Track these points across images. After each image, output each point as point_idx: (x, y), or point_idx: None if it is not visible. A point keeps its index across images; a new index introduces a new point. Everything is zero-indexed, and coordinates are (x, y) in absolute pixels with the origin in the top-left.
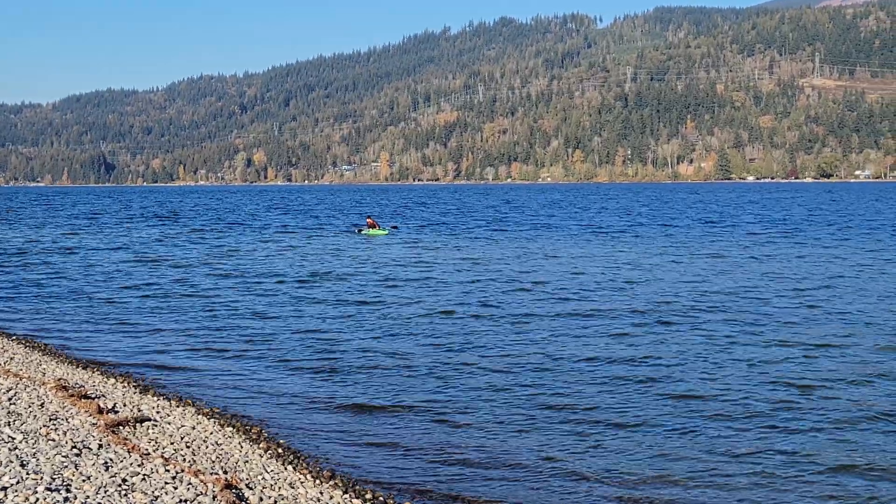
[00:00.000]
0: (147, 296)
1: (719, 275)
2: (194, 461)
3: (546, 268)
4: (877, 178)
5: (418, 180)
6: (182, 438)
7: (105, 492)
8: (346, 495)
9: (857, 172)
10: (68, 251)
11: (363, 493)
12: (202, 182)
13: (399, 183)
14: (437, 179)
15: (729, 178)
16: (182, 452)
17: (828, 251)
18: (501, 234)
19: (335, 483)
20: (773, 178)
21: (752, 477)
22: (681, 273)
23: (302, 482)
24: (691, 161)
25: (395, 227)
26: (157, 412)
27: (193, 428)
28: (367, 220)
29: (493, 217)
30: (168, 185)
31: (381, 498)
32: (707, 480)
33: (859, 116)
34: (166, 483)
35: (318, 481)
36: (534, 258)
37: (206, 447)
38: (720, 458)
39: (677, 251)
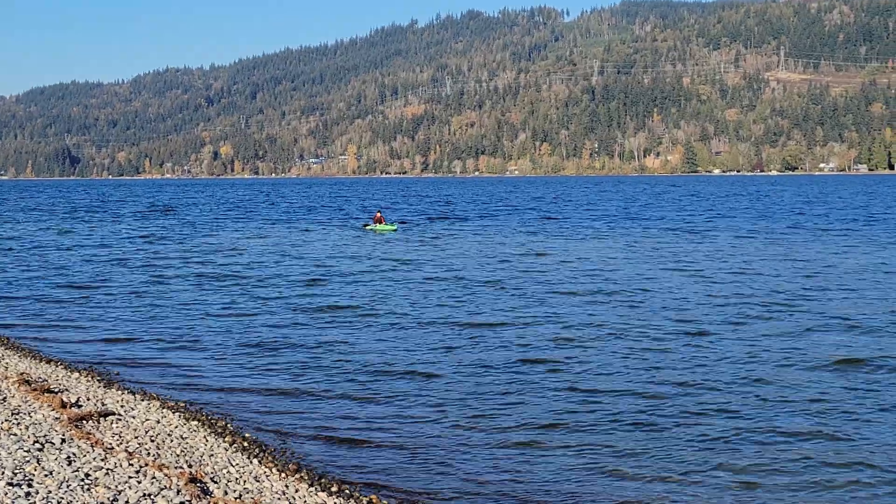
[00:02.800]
0: (112, 291)
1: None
2: (159, 455)
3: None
4: (841, 170)
5: (386, 173)
6: (146, 432)
7: (68, 486)
8: (312, 488)
9: (822, 165)
10: (39, 246)
11: (329, 486)
12: (168, 175)
13: (367, 176)
14: (405, 173)
15: (695, 172)
16: (146, 446)
17: None
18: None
19: (301, 476)
20: (738, 171)
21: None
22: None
23: (267, 475)
24: (658, 154)
25: (402, 223)
26: (122, 406)
27: (158, 422)
28: (376, 214)
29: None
30: (134, 178)
31: (346, 491)
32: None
33: (824, 110)
34: (130, 477)
35: (283, 474)
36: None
37: (171, 441)
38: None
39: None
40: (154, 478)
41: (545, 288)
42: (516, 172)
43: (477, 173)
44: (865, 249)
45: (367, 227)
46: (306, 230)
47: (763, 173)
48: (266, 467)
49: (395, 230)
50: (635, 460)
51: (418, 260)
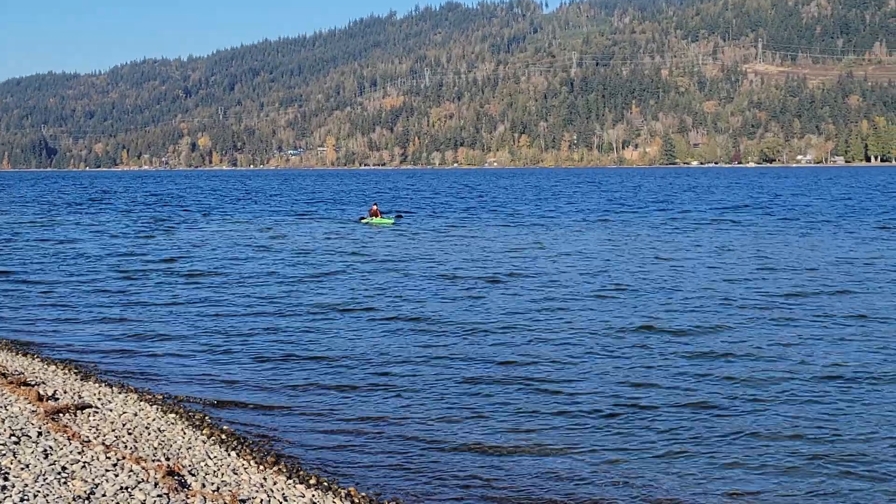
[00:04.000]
0: (90, 281)
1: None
2: (136, 448)
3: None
4: (818, 162)
5: (364, 165)
6: (124, 425)
7: (44, 480)
8: (290, 480)
9: (799, 157)
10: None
11: (307, 478)
12: (146, 167)
13: (345, 168)
14: (384, 164)
15: (674, 163)
16: (124, 439)
17: None
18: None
19: (279, 469)
20: (716, 163)
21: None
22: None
23: (245, 468)
24: (636, 146)
25: (399, 216)
26: (99, 399)
27: (136, 415)
28: (372, 207)
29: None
30: (111, 169)
31: (325, 483)
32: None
33: (801, 102)
34: (107, 470)
35: (261, 467)
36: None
37: (149, 434)
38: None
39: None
40: (131, 471)
41: (549, 285)
42: (495, 164)
43: (456, 165)
44: None
45: (364, 221)
46: (301, 222)
47: (741, 165)
48: (244, 460)
49: (392, 224)
50: (611, 465)
51: (412, 254)
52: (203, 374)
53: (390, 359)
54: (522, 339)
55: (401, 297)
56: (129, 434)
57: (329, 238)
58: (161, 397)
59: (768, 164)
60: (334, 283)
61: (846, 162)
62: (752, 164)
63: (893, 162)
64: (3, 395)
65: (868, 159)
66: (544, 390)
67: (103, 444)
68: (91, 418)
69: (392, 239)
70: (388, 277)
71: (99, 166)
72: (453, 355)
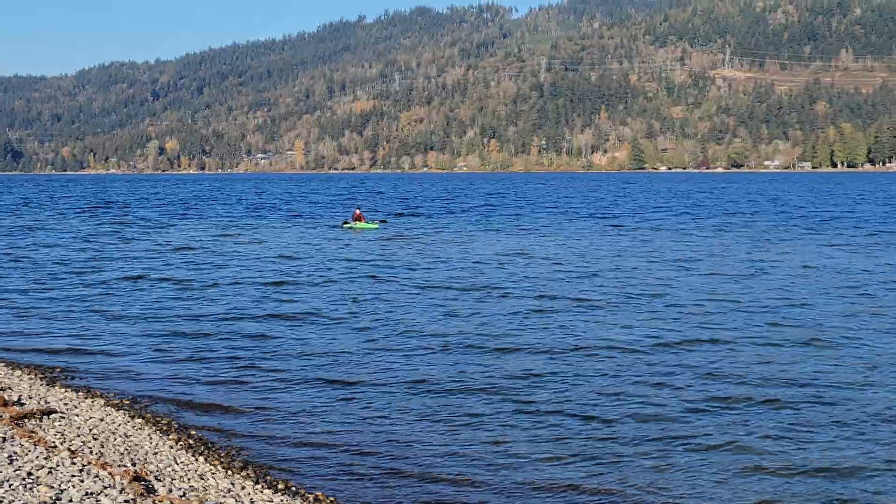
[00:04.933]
0: (56, 287)
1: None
2: (102, 453)
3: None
4: (785, 168)
5: (334, 169)
6: (90, 430)
7: (9, 486)
8: (258, 486)
9: (767, 163)
10: None
11: (275, 483)
12: (114, 170)
13: (315, 172)
14: (353, 168)
15: (642, 168)
16: (90, 445)
17: None
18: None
19: (247, 474)
20: (684, 168)
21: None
22: None
23: (213, 473)
24: (605, 151)
25: (384, 221)
26: (65, 404)
27: (102, 420)
28: (356, 212)
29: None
30: (78, 173)
31: (293, 488)
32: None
33: (769, 108)
34: (73, 476)
35: (229, 472)
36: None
37: (115, 439)
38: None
39: None
40: (97, 476)
41: (532, 292)
42: (465, 169)
43: (426, 169)
44: None
45: (347, 226)
46: (282, 228)
47: (709, 170)
48: (212, 465)
49: (376, 228)
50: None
51: (398, 261)
52: (170, 380)
53: (361, 366)
54: (497, 348)
55: (377, 303)
56: (96, 439)
57: (310, 243)
58: (128, 402)
59: (736, 170)
60: (311, 289)
61: (813, 168)
62: (720, 170)
63: (859, 168)
64: None
65: (834, 165)
66: (513, 399)
67: (69, 449)
68: (57, 423)
69: (375, 243)
70: (367, 284)
71: (66, 170)
72: (426, 363)
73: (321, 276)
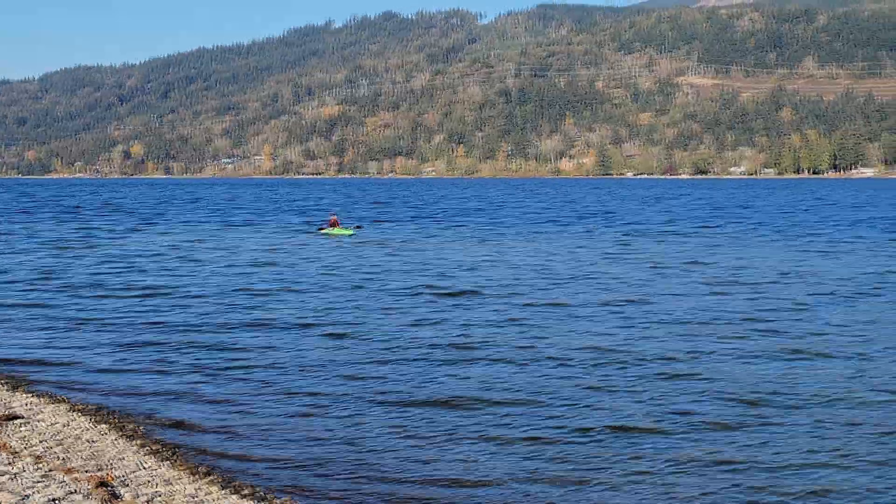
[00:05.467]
0: (21, 292)
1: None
2: (67, 459)
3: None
4: (750, 174)
5: (301, 174)
6: (54, 436)
7: None
8: (224, 491)
9: (732, 169)
10: None
11: (241, 488)
12: (79, 174)
13: (282, 177)
14: (320, 173)
15: (608, 174)
16: (54, 450)
17: None
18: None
19: (213, 479)
20: (651, 175)
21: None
22: None
23: (178, 479)
24: (572, 157)
25: (359, 227)
26: (29, 409)
27: (66, 425)
28: (331, 217)
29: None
30: (43, 177)
31: (259, 494)
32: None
33: (734, 114)
34: (36, 482)
35: (194, 477)
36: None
37: (80, 444)
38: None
39: None
40: (62, 482)
41: (507, 297)
42: (432, 174)
43: (392, 174)
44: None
45: (323, 232)
46: (254, 234)
47: (675, 176)
48: (177, 470)
49: (351, 234)
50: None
51: (371, 267)
52: (136, 385)
53: (329, 374)
54: (466, 359)
55: (346, 311)
56: (60, 445)
57: (284, 249)
58: (93, 408)
59: (702, 176)
60: (283, 296)
61: (778, 174)
62: (685, 176)
63: (824, 174)
64: None
65: (799, 171)
66: (477, 409)
67: (33, 455)
68: (21, 429)
69: (349, 249)
70: (341, 291)
71: (31, 174)
72: (396, 372)
73: (293, 284)
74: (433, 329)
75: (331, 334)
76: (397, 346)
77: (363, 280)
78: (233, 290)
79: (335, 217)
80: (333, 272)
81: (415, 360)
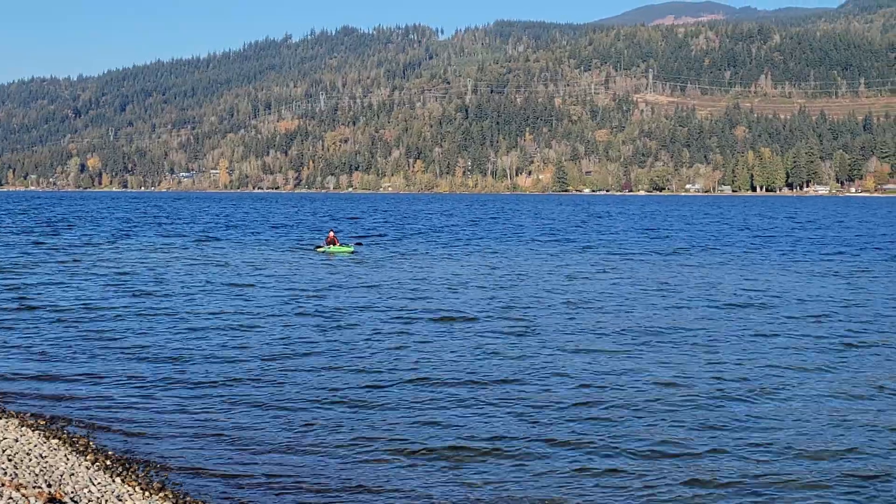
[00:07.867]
0: None
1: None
2: (16, 475)
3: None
4: (706, 191)
5: (258, 188)
6: (4, 451)
7: None
8: None
9: (688, 186)
10: None
11: None
12: (33, 187)
13: (239, 191)
14: (278, 188)
15: (566, 191)
16: (3, 466)
17: None
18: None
19: (165, 495)
20: (608, 191)
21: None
22: None
23: (130, 494)
24: (530, 173)
25: (359, 244)
26: None
27: (17, 440)
28: (329, 234)
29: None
30: None
31: None
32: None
33: (690, 132)
34: None
35: (147, 493)
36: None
37: (30, 460)
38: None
39: None
40: (10, 498)
41: (515, 322)
42: (390, 189)
43: (351, 189)
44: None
45: (320, 250)
46: (252, 251)
47: (631, 193)
48: (129, 486)
49: (352, 252)
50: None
51: (374, 286)
52: (88, 401)
53: (288, 390)
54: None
55: (334, 333)
56: (10, 460)
57: (274, 266)
58: (44, 423)
59: (658, 192)
60: (271, 320)
61: (733, 191)
62: (642, 192)
63: (778, 192)
64: None
65: (754, 189)
66: (435, 423)
67: None
68: None
69: (350, 268)
70: (329, 315)
71: None
72: (362, 386)
73: (279, 309)
74: (410, 352)
75: (304, 352)
76: (372, 367)
77: (343, 302)
78: (219, 312)
79: (333, 234)
80: (321, 292)
81: (387, 383)
